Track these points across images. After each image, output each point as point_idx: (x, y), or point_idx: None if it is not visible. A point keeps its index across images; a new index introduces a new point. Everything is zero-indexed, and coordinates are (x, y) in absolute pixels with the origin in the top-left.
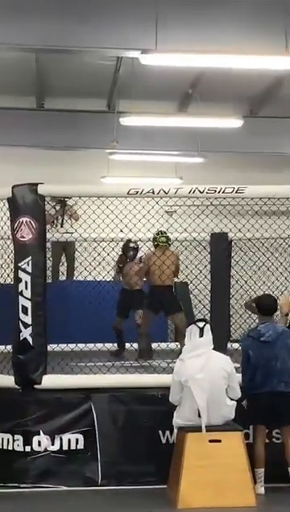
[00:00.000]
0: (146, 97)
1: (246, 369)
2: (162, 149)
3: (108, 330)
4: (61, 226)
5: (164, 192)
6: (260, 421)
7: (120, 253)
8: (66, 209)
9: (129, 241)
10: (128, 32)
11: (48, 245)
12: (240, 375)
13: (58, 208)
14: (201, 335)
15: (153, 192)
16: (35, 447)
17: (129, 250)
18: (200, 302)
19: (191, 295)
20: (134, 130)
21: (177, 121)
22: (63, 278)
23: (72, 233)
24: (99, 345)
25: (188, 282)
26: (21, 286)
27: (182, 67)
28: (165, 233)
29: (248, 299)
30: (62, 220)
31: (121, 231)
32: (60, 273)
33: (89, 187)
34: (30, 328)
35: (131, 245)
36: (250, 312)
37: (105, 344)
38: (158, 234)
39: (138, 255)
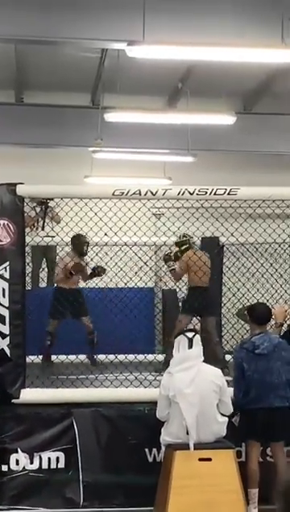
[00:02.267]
0: (132, 92)
1: (240, 383)
2: (149, 147)
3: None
4: (42, 229)
5: (152, 193)
6: (254, 438)
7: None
8: (47, 211)
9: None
10: (113, 22)
11: (28, 249)
12: (230, 389)
13: (38, 210)
14: (191, 346)
15: (140, 194)
16: (13, 466)
17: (83, 245)
18: None
19: (180, 303)
20: (119, 126)
21: (166, 117)
22: (43, 284)
23: (53, 236)
24: (82, 357)
25: (177, 289)
26: None
27: (171, 60)
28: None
29: (241, 308)
30: (43, 223)
31: (105, 234)
32: (40, 279)
33: (71, 188)
34: (7, 339)
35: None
36: (242, 322)
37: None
38: (185, 237)
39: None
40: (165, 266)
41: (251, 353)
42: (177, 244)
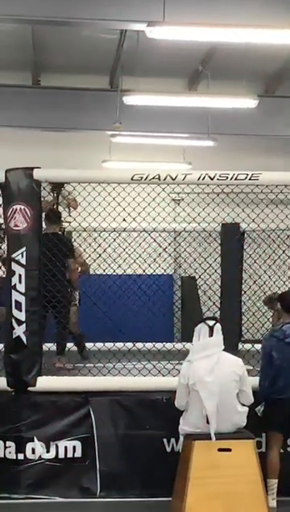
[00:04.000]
0: (152, 74)
1: (267, 372)
2: (169, 131)
3: (112, 328)
4: None
5: (171, 178)
6: (278, 429)
7: None
8: (64, 196)
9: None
10: (133, 2)
11: None
12: (253, 379)
13: (54, 194)
14: (211, 334)
15: (159, 178)
16: (29, 454)
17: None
18: (209, 298)
19: (199, 291)
20: (138, 110)
21: (186, 100)
22: None
23: (70, 222)
24: (99, 345)
25: (196, 276)
26: (14, 280)
27: (192, 41)
28: None
29: (270, 294)
30: (57, 209)
31: (124, 220)
32: None
33: (89, 172)
34: (23, 326)
35: None
36: (263, 310)
37: (106, 344)
38: None
39: None
40: None
41: (281, 342)
42: None
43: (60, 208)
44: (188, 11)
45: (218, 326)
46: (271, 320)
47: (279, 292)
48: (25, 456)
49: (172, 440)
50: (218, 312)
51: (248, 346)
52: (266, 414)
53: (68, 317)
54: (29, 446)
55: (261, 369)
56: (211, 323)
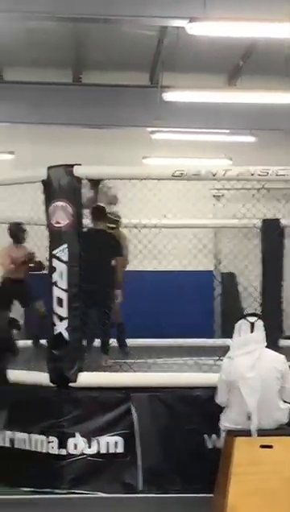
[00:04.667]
0: (192, 70)
1: None
2: (209, 127)
3: (153, 324)
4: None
5: (212, 174)
6: None
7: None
8: (103, 192)
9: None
10: None
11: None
12: None
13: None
14: (252, 331)
15: (199, 175)
16: (71, 450)
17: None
18: (249, 295)
19: (239, 287)
20: (178, 106)
21: (226, 96)
22: None
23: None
24: (140, 341)
25: (237, 272)
26: (55, 276)
27: (232, 37)
28: None
29: None
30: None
31: (164, 216)
32: None
33: (129, 169)
34: (65, 322)
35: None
36: None
37: (147, 340)
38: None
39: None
40: None
41: None
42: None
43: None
44: (229, 7)
45: (260, 322)
46: None
47: None
48: (67, 451)
49: (213, 437)
50: (259, 308)
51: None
52: None
53: (110, 315)
54: (71, 441)
55: None
56: (252, 319)
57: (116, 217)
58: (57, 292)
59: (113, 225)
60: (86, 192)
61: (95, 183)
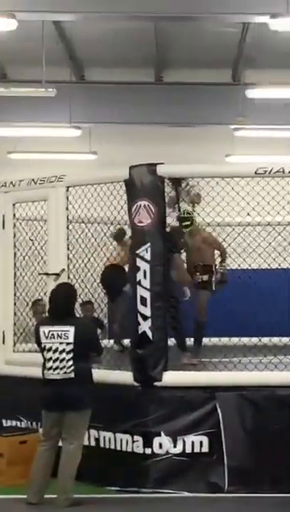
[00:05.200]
0: (275, 67)
1: None
2: None
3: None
4: (179, 211)
5: None
6: None
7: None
8: (187, 191)
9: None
10: None
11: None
12: None
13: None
14: None
15: (283, 172)
16: (156, 449)
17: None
18: None
19: None
20: (261, 103)
21: None
22: None
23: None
24: (224, 339)
25: None
26: (139, 276)
27: None
28: None
29: None
30: (178, 204)
31: (248, 214)
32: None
33: (212, 167)
34: (149, 321)
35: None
36: None
37: (231, 339)
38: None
39: None
40: None
41: None
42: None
43: (184, 204)
44: None
45: None
46: None
47: None
48: (152, 450)
49: None
50: None
51: None
52: None
53: (179, 312)
54: (156, 441)
55: None
56: None
57: (187, 214)
58: (141, 291)
59: (187, 223)
60: (169, 191)
61: (177, 182)
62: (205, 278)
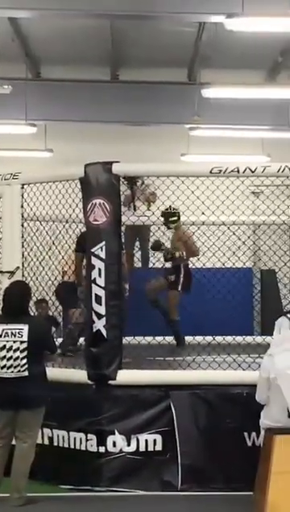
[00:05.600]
0: (230, 67)
1: None
2: (248, 123)
3: (192, 321)
4: (134, 210)
5: (250, 170)
6: None
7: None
8: (142, 190)
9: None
10: None
11: (123, 229)
12: None
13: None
14: None
15: (238, 171)
16: (110, 447)
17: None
18: (289, 291)
19: (279, 284)
20: (217, 102)
21: (265, 92)
22: (139, 265)
23: (149, 216)
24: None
25: (276, 269)
26: (94, 274)
27: (271, 32)
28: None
29: None
30: (134, 203)
31: (203, 214)
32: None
33: (167, 166)
34: (103, 319)
35: None
36: None
37: (185, 338)
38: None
39: None
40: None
41: None
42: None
43: (139, 203)
44: (267, 2)
45: None
46: None
47: None
48: (106, 449)
49: (253, 434)
50: None
51: None
52: None
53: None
54: (110, 439)
55: None
56: None
57: (174, 210)
58: (96, 290)
59: (175, 218)
60: (124, 190)
61: (132, 180)
62: (173, 278)
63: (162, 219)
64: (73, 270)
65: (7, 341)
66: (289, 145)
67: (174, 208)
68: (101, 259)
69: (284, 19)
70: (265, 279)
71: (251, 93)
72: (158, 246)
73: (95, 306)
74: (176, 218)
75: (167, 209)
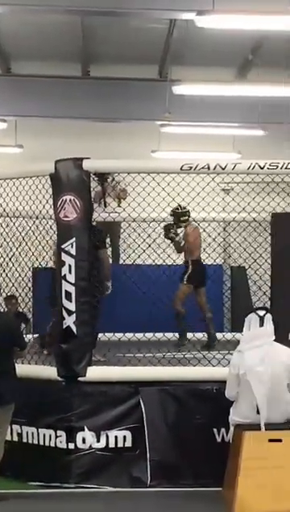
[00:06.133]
0: (201, 64)
1: None
2: (218, 120)
3: (159, 318)
4: (105, 206)
5: (221, 167)
6: None
7: None
8: (113, 186)
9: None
10: None
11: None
12: None
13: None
14: (262, 324)
15: (208, 168)
16: (79, 444)
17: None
18: (259, 288)
19: (249, 281)
20: (188, 99)
21: (236, 89)
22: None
23: (119, 212)
24: (149, 335)
25: (246, 266)
26: (64, 270)
27: (242, 30)
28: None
29: None
30: (104, 199)
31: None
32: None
33: (138, 163)
34: (73, 316)
35: None
36: None
37: (155, 334)
38: (184, 208)
39: None
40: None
41: None
42: (177, 214)
43: (110, 199)
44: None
45: (269, 316)
46: None
47: None
48: (76, 445)
49: (222, 431)
50: (268, 302)
51: None
52: None
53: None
54: (79, 435)
55: None
56: (261, 313)
57: (184, 209)
58: (66, 286)
59: (186, 217)
60: (95, 186)
61: (102, 177)
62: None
63: (171, 218)
64: None
65: None
66: (260, 142)
67: (184, 207)
68: (71, 255)
69: (255, 17)
70: (235, 276)
71: (222, 91)
72: (167, 231)
73: (65, 302)
74: (187, 217)
75: (177, 208)
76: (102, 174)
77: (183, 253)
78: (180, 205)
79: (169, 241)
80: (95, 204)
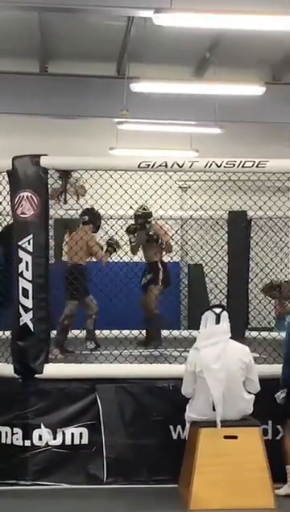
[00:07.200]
0: (159, 62)
1: None
2: (176, 118)
3: (118, 314)
4: (64, 203)
5: (178, 165)
6: None
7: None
8: (71, 183)
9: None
10: None
11: (51, 222)
12: (260, 367)
13: (61, 182)
14: (218, 322)
15: (166, 166)
16: (36, 441)
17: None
18: (216, 286)
19: (206, 279)
20: (145, 97)
21: (193, 87)
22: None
23: (77, 209)
24: (105, 332)
25: (203, 264)
26: (21, 267)
27: (199, 28)
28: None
29: (268, 283)
30: (64, 196)
31: (130, 208)
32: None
33: (95, 160)
34: (30, 313)
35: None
36: (269, 298)
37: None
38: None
39: None
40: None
41: None
42: (140, 216)
43: (68, 196)
44: None
45: (225, 314)
46: (277, 307)
47: (282, 280)
48: (32, 442)
49: (179, 427)
50: (225, 300)
51: (255, 334)
52: (286, 402)
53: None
54: (36, 433)
55: (284, 356)
56: (218, 310)
57: (144, 209)
58: (22, 283)
59: (151, 218)
60: (52, 183)
61: (65, 174)
62: (148, 276)
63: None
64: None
65: None
66: (216, 140)
67: (144, 208)
68: (28, 252)
69: (212, 16)
70: (192, 274)
71: (179, 88)
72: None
73: (22, 299)
74: (152, 218)
75: (143, 209)
76: (66, 171)
77: (146, 254)
78: (145, 207)
79: (129, 243)
80: (52, 200)
